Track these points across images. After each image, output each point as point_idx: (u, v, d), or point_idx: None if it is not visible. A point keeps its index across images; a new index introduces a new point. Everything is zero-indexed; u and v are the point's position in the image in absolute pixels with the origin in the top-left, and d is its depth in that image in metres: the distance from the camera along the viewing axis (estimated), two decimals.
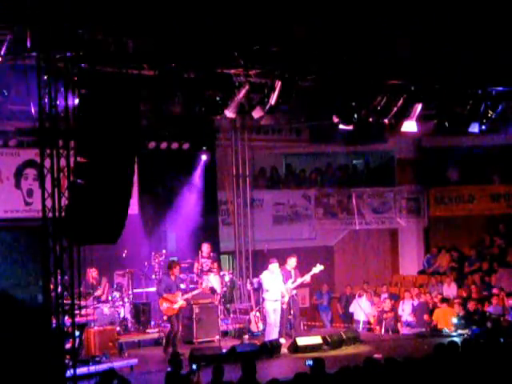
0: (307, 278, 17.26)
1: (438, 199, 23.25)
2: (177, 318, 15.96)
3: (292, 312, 17.11)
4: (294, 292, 17.18)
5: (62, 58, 11.85)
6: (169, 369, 13.36)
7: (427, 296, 19.96)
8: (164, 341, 16.22)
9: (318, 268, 17.26)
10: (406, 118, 15.80)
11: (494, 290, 19.37)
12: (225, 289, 18.61)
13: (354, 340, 16.86)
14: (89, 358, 14.49)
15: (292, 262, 17.19)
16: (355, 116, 15.22)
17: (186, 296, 16.25)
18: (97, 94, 12.49)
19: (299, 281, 17.16)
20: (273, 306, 16.66)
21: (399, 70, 14.64)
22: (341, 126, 15.93)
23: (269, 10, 12.91)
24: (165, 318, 16.35)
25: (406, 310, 19.77)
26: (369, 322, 19.93)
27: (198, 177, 19.71)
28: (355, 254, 23.48)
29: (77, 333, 13.63)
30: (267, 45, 13.19)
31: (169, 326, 16.16)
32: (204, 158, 19.86)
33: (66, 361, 12.67)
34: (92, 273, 16.62)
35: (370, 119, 15.55)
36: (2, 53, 11.90)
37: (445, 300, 19.27)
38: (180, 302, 15.98)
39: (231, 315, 18.77)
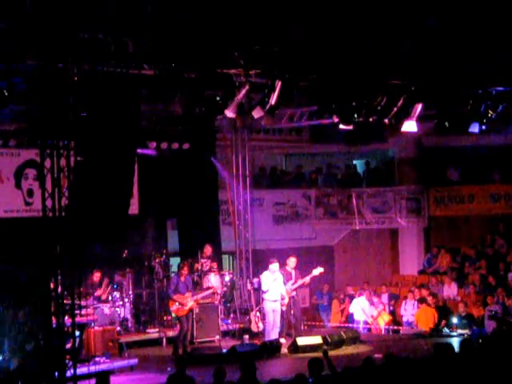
0: (307, 279, 17.28)
1: (437, 199, 23.23)
2: (186, 319, 15.98)
3: (293, 312, 17.11)
4: (294, 293, 17.17)
5: (63, 58, 11.85)
6: (169, 368, 13.44)
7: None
8: (174, 343, 16.19)
9: (317, 270, 17.29)
10: (405, 117, 15.80)
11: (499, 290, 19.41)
12: (225, 289, 18.61)
13: (354, 340, 16.86)
14: (89, 357, 14.50)
15: (292, 262, 17.18)
16: (355, 116, 15.22)
17: (195, 297, 16.24)
18: (97, 94, 12.51)
19: (299, 282, 17.17)
20: (272, 307, 16.66)
21: (399, 70, 14.64)
22: (341, 126, 15.93)
23: (269, 10, 12.91)
24: (173, 315, 16.35)
25: (408, 310, 19.79)
26: (367, 322, 19.94)
27: (198, 176, 19.68)
28: (355, 253, 23.47)
29: (77, 333, 13.64)
30: (267, 45, 13.18)
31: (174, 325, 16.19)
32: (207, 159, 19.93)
33: (66, 361, 12.68)
34: (95, 275, 16.66)
35: (370, 119, 15.55)
36: None
37: (423, 300, 19.31)
38: (190, 303, 16.01)
39: (231, 315, 18.78)
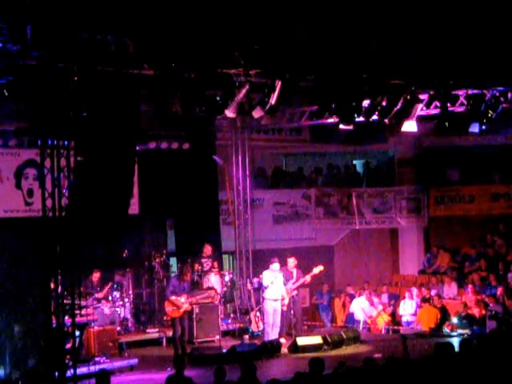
0: (307, 278, 17.31)
1: (437, 199, 23.24)
2: (180, 321, 15.79)
3: (293, 312, 17.12)
4: (295, 293, 17.19)
5: (63, 58, 11.85)
6: (169, 368, 13.44)
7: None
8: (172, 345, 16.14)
9: (317, 269, 17.31)
10: (405, 117, 15.80)
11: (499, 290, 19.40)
12: (225, 289, 18.62)
13: (354, 340, 16.86)
14: (89, 357, 14.50)
15: (290, 262, 17.23)
16: (355, 116, 15.22)
17: (191, 299, 16.02)
18: (97, 94, 12.51)
19: (300, 281, 17.19)
20: (272, 306, 16.67)
21: (399, 70, 14.63)
22: (341, 126, 15.93)
23: (269, 10, 12.91)
24: (167, 318, 16.31)
25: (406, 310, 19.80)
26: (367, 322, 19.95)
27: (198, 176, 19.67)
28: (355, 253, 23.47)
29: (77, 333, 13.64)
30: (267, 45, 13.18)
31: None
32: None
33: (66, 361, 12.68)
34: (94, 275, 16.66)
35: (370, 119, 15.55)
36: None
37: (427, 300, 19.32)
38: (185, 305, 15.74)
39: (231, 315, 18.78)
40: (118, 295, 17.15)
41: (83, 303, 14.54)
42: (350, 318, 20.36)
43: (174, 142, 19.00)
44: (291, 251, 18.19)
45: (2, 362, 13.49)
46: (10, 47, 11.64)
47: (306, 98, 17.01)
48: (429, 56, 14.40)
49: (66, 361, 12.71)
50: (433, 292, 20.13)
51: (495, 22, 14.13)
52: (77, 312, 13.43)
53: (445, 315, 18.92)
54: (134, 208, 17.10)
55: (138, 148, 15.76)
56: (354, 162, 24.41)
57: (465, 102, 16.02)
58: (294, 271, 17.21)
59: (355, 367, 9.59)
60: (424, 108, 16.06)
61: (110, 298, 16.92)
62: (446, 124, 16.21)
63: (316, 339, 16.33)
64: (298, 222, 22.32)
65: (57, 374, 12.38)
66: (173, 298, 15.71)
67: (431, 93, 15.80)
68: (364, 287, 20.75)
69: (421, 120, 16.30)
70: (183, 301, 15.72)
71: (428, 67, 14.63)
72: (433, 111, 16.30)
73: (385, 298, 20.83)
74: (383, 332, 19.42)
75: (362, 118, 15.45)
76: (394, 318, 20.20)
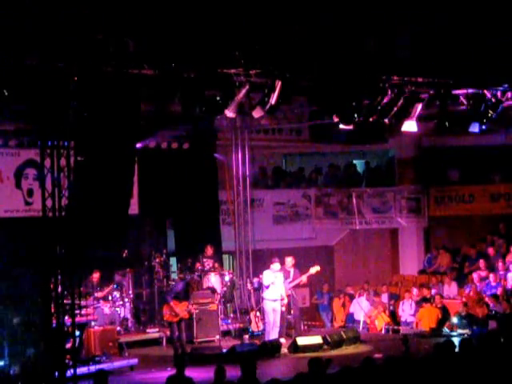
0: (304, 278, 17.32)
1: (437, 199, 23.25)
2: (178, 324, 15.62)
3: (292, 312, 17.13)
4: (290, 292, 17.15)
5: (63, 58, 11.85)
6: (169, 368, 13.45)
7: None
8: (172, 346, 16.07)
9: (314, 269, 17.32)
10: (405, 117, 15.80)
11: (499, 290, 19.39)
12: (225, 289, 18.61)
13: (354, 340, 16.87)
14: (89, 357, 14.50)
15: (288, 262, 17.26)
16: (355, 116, 15.21)
17: (190, 308, 15.79)
18: (97, 94, 12.51)
19: (296, 281, 17.21)
20: (271, 306, 16.66)
21: (399, 70, 14.63)
22: (341, 126, 15.93)
23: (269, 9, 12.92)
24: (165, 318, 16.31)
25: (406, 310, 19.81)
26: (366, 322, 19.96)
27: (198, 176, 19.67)
28: (355, 253, 23.46)
29: (77, 333, 13.65)
30: (267, 45, 13.18)
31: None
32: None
33: (66, 361, 12.67)
34: (94, 275, 16.66)
35: (370, 119, 15.55)
36: None
37: (427, 300, 19.32)
38: (183, 312, 15.57)
39: (231, 315, 18.78)
40: (118, 295, 17.15)
41: (83, 303, 14.54)
42: (350, 317, 20.35)
43: (174, 142, 19.01)
44: (291, 251, 18.19)
45: (1, 354, 13.51)
46: (10, 47, 11.65)
47: (306, 97, 17.01)
48: (429, 56, 14.40)
49: (66, 361, 12.71)
50: (433, 291, 20.14)
51: (495, 22, 14.13)
52: (77, 312, 13.43)
53: (445, 315, 18.93)
54: (133, 208, 17.11)
55: (137, 147, 15.76)
56: (354, 162, 24.40)
57: (465, 102, 16.02)
58: (292, 270, 17.23)
59: (355, 367, 9.57)
60: (424, 108, 16.05)
61: (109, 297, 16.92)
62: (446, 124, 16.21)
63: (316, 339, 16.33)
64: (297, 222, 22.32)
65: (57, 373, 12.38)
66: (172, 303, 15.56)
67: (431, 93, 15.80)
68: (364, 287, 20.74)
69: (421, 120, 16.29)
70: (183, 308, 15.58)
71: (428, 67, 14.63)
72: (433, 111, 16.29)
73: (385, 297, 20.81)
74: (383, 332, 19.42)
75: (362, 118, 15.44)
76: (394, 318, 20.20)
